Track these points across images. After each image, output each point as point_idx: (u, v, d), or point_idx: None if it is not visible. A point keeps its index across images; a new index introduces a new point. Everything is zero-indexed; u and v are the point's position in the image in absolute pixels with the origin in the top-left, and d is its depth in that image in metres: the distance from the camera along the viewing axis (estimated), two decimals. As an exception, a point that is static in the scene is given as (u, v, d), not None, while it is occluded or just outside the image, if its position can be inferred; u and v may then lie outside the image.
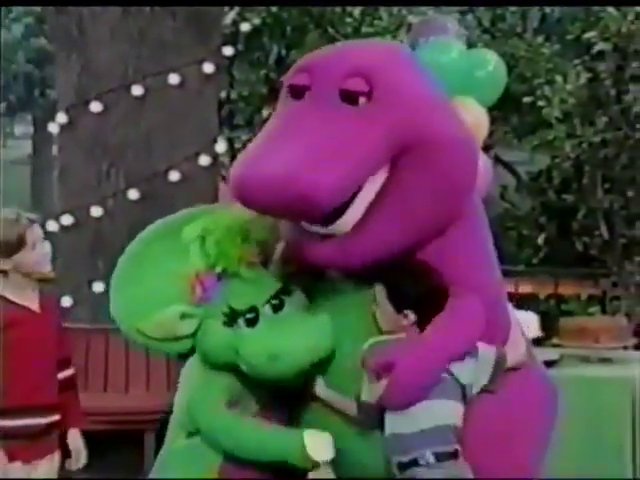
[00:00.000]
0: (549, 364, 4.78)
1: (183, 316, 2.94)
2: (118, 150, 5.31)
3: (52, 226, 5.34)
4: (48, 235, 5.39)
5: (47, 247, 3.60)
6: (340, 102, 3.04)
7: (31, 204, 21.02)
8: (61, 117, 5.38)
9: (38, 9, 13.87)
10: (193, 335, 2.97)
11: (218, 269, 2.96)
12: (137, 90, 5.24)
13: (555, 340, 5.47)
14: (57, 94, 5.74)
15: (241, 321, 2.94)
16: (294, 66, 3.25)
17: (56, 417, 3.57)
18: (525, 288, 8.05)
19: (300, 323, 2.98)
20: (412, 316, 2.95)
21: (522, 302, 7.20)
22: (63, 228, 5.29)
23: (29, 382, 3.47)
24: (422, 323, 2.95)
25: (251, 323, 2.95)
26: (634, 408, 4.77)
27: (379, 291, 2.99)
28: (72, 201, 5.34)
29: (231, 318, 2.94)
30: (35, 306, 3.57)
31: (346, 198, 2.96)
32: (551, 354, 4.96)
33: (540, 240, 9.00)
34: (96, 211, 5.18)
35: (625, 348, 5.44)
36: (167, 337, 2.97)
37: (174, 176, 5.24)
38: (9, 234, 3.50)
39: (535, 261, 8.96)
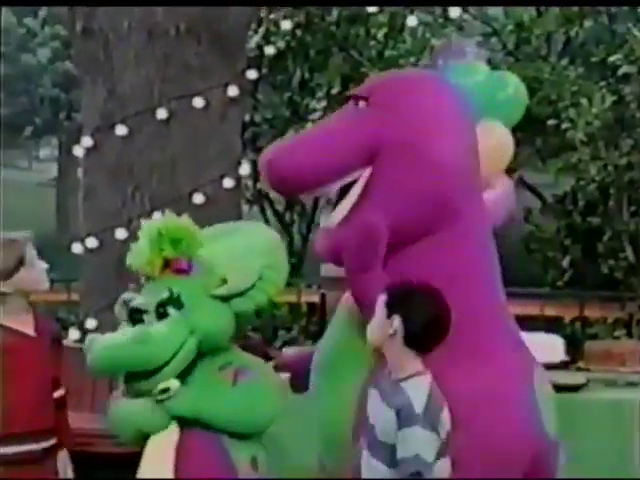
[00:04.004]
0: (575, 388, 4.74)
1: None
2: (143, 173, 5.33)
3: (77, 248, 5.35)
4: (73, 257, 5.44)
5: (43, 264, 3.60)
6: (351, 105, 3.50)
7: (56, 226, 21.19)
8: (86, 140, 5.40)
9: (65, 33, 13.97)
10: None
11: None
12: (162, 113, 5.26)
13: (581, 364, 5.42)
14: (82, 117, 5.78)
15: None
16: None
17: (53, 441, 3.54)
18: (550, 311, 7.99)
19: None
20: (397, 321, 2.89)
21: (547, 325, 7.16)
22: (88, 250, 5.31)
23: (28, 408, 3.45)
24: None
25: None
26: (661, 433, 4.72)
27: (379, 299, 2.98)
28: (97, 223, 5.36)
29: None
30: (30, 330, 3.54)
31: (327, 183, 3.34)
32: (577, 378, 4.92)
33: (565, 263, 8.95)
34: (121, 233, 5.19)
35: (652, 372, 5.39)
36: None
37: (198, 199, 5.25)
38: (9, 255, 3.49)
39: (560, 284, 8.90)
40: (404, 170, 3.31)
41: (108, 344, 3.18)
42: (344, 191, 3.37)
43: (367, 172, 3.34)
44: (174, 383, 3.21)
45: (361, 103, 3.42)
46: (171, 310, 3.22)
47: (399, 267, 3.27)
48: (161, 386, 3.21)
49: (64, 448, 3.63)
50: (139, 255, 3.29)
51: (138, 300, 3.29)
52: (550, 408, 3.48)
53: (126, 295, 3.39)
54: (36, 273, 3.56)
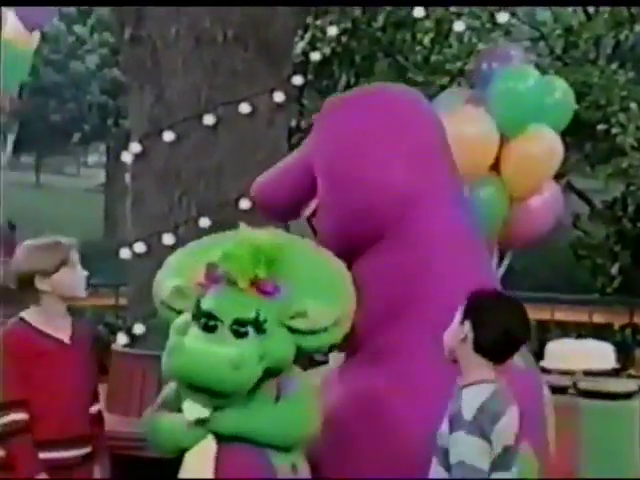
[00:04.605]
0: (627, 395, 4.68)
1: None
2: (190, 179, 5.35)
3: (125, 253, 5.39)
4: (120, 262, 5.47)
5: (83, 271, 3.61)
6: None
7: (104, 232, 21.40)
8: (134, 146, 5.44)
9: (113, 40, 14.08)
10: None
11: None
12: (209, 119, 5.28)
13: (632, 371, 5.35)
14: (130, 124, 5.82)
15: None
16: None
17: (89, 449, 3.54)
18: (599, 318, 7.91)
19: None
20: (467, 326, 2.92)
21: (596, 332, 7.08)
22: (136, 255, 5.35)
23: (61, 415, 3.44)
24: None
25: None
26: None
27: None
28: (144, 229, 5.39)
29: None
30: (66, 337, 3.53)
31: (296, 211, 3.83)
32: (628, 385, 4.85)
33: (614, 269, 8.85)
34: (168, 239, 5.22)
35: None
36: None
37: (245, 204, 5.26)
38: (54, 256, 3.51)
39: (609, 290, 8.81)
40: (329, 190, 3.64)
41: (200, 356, 3.12)
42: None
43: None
44: (205, 412, 3.21)
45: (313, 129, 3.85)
46: (251, 331, 3.15)
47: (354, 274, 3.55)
48: (199, 417, 3.20)
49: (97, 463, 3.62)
50: (236, 263, 3.20)
51: (213, 304, 3.21)
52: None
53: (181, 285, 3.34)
54: (75, 278, 3.56)
